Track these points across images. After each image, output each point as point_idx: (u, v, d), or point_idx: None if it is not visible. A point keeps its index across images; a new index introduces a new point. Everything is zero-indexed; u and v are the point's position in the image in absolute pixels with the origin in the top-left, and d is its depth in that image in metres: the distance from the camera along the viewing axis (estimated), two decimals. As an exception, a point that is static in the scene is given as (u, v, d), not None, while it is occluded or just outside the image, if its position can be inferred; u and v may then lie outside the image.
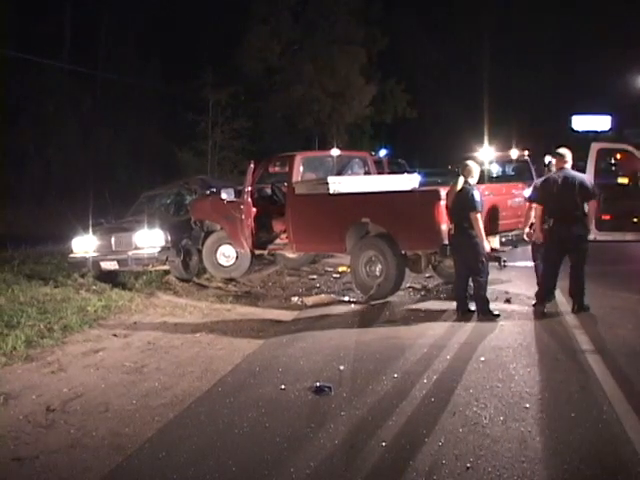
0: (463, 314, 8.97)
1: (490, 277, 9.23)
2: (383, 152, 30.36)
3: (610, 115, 33.24)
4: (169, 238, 12.69)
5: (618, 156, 15.33)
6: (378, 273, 10.44)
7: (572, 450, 4.79)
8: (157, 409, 6.14)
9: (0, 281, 11.80)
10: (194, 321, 9.93)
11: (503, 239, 10.32)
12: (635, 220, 12.24)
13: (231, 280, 12.99)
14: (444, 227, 9.39)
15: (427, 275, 11.82)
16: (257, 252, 12.74)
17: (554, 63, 40.26)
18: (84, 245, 13.06)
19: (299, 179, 11.77)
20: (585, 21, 37.84)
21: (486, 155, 20.79)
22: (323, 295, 11.38)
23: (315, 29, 33.20)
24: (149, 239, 12.61)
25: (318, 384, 6.43)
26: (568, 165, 8.92)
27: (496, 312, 8.90)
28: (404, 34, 37.77)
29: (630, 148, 14.54)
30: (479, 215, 8.75)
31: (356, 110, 34.50)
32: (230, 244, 12.75)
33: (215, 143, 29.38)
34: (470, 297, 9.12)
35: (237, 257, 12.85)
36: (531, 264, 10.25)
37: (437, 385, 6.31)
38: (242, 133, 29.52)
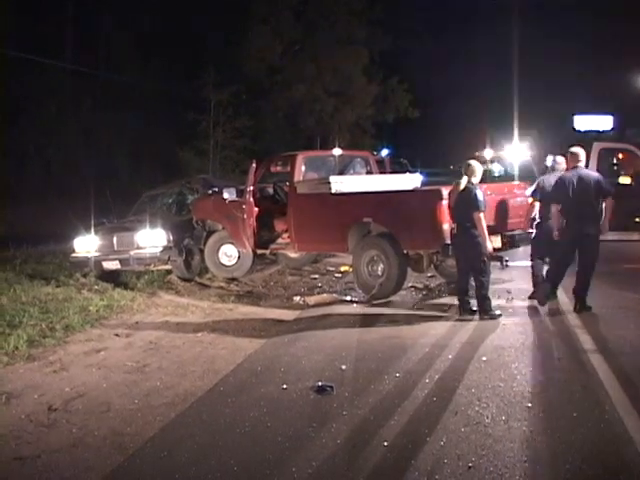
0: (465, 313, 8.95)
1: (492, 276, 9.22)
2: (385, 152, 30.40)
3: (612, 115, 33.22)
4: (171, 238, 12.70)
5: (620, 156, 15.33)
6: (380, 273, 10.44)
7: (574, 450, 4.78)
8: (159, 408, 6.14)
9: (2, 281, 11.81)
10: (196, 321, 9.94)
11: (505, 239, 10.31)
12: (637, 220, 12.24)
13: (233, 280, 12.99)
14: (446, 227, 9.39)
15: (429, 275, 11.82)
16: (259, 252, 12.75)
17: (555, 63, 40.22)
18: (86, 245, 13.06)
19: (301, 178, 11.77)
20: (586, 21, 37.83)
21: (488, 154, 20.80)
22: (325, 295, 11.38)
23: (316, 29, 33.18)
24: (151, 239, 12.62)
25: (320, 383, 6.42)
26: (581, 164, 8.98)
27: (498, 312, 8.90)
28: (406, 33, 37.78)
29: (632, 148, 14.55)
30: (482, 214, 8.75)
31: (358, 110, 34.48)
32: (232, 243, 12.76)
33: (217, 142, 29.34)
34: (472, 296, 9.12)
35: (239, 257, 12.86)
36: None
37: (439, 384, 6.31)
38: (244, 132, 29.49)
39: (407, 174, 14.63)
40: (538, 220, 9.77)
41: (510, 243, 10.44)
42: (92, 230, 13.32)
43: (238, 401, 6.20)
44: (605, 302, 9.25)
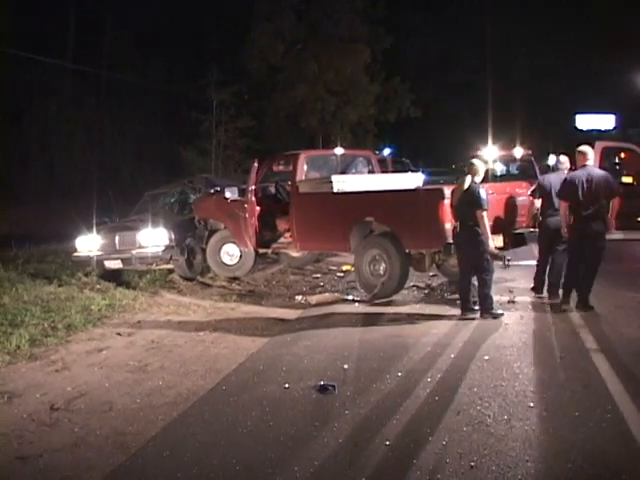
0: (467, 313, 8.95)
1: (494, 276, 9.21)
2: (387, 151, 30.39)
3: (614, 114, 33.23)
4: (173, 237, 12.71)
5: (622, 155, 15.30)
6: (382, 272, 10.44)
7: (576, 449, 4.78)
8: (161, 408, 6.15)
9: (4, 280, 11.81)
10: (198, 320, 9.95)
11: (507, 238, 10.31)
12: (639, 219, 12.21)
13: (235, 279, 13.00)
14: (448, 226, 9.40)
15: (431, 274, 11.82)
16: (261, 251, 12.74)
17: (557, 63, 40.22)
18: (88, 244, 13.07)
19: (303, 178, 11.77)
20: (588, 20, 37.78)
21: (490, 154, 20.79)
22: (327, 294, 11.38)
23: (318, 28, 33.11)
24: (153, 238, 12.62)
25: (322, 383, 6.43)
26: (590, 162, 9.07)
27: (499, 311, 8.90)
28: (408, 33, 37.75)
29: (634, 147, 14.51)
30: (485, 213, 8.75)
31: (360, 109, 34.42)
32: (234, 243, 12.75)
33: (219, 142, 29.36)
34: (474, 296, 9.12)
35: (241, 256, 12.85)
36: (535, 263, 10.23)
37: (441, 384, 6.31)
38: (246, 132, 29.51)
39: (409, 173, 14.62)
40: (540, 218, 9.84)
41: (512, 242, 10.45)
42: (94, 229, 13.32)
43: (240, 400, 6.20)
44: (607, 301, 9.24)
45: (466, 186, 8.88)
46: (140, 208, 14.69)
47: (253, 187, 12.17)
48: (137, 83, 31.35)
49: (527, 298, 9.89)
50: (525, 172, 18.20)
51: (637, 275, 11.35)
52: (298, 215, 11.53)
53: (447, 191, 9.46)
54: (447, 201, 9.36)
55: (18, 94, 28.42)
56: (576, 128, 33.37)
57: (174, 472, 4.80)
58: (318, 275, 13.35)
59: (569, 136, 31.00)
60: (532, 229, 10.66)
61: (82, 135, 31.22)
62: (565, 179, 9.23)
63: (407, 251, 10.34)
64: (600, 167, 9.77)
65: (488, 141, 25.45)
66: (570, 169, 9.94)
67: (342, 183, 11.16)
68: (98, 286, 11.92)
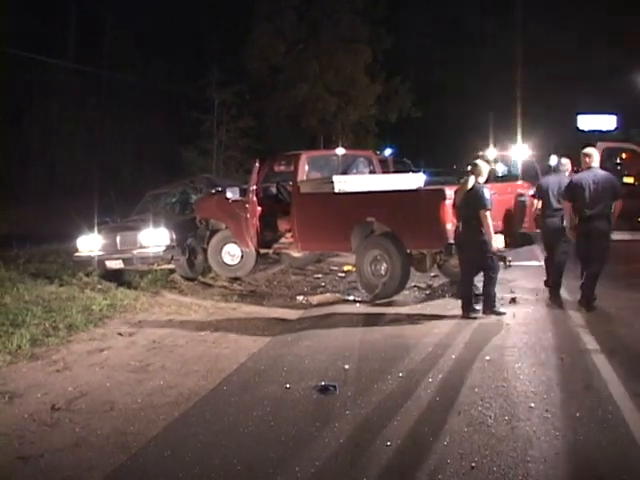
0: (468, 313, 8.95)
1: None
2: (388, 151, 30.45)
3: (616, 114, 33.20)
4: (174, 237, 12.71)
5: (624, 156, 15.32)
6: (383, 272, 10.43)
7: (577, 450, 4.79)
8: (162, 408, 6.15)
9: (5, 280, 11.82)
10: (199, 320, 9.95)
11: (508, 238, 10.31)
12: None
13: (236, 279, 13.00)
14: (449, 226, 9.40)
15: (432, 274, 11.81)
16: (262, 251, 12.73)
17: (558, 63, 40.15)
18: (89, 244, 13.08)
19: (304, 178, 11.76)
20: (589, 20, 37.74)
21: (492, 154, 20.82)
22: (328, 294, 11.38)
23: (319, 28, 33.16)
24: (154, 238, 12.63)
25: (323, 383, 6.43)
26: (595, 164, 9.14)
27: (502, 309, 8.93)
28: (409, 33, 37.74)
29: (636, 148, 14.53)
30: (488, 213, 8.77)
31: (361, 109, 34.46)
32: (235, 243, 12.75)
33: (220, 142, 29.39)
34: (475, 296, 9.14)
35: (242, 256, 12.85)
36: (537, 263, 10.27)
37: (442, 384, 6.31)
38: (247, 132, 29.53)
39: (410, 174, 14.62)
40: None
41: (513, 243, 10.45)
42: (95, 229, 13.32)
43: (241, 400, 6.21)
44: (608, 302, 9.23)
45: (469, 186, 8.90)
46: (141, 208, 14.69)
47: (254, 187, 12.17)
48: (138, 83, 31.34)
49: (528, 298, 9.89)
50: (527, 173, 18.23)
51: (638, 276, 11.33)
52: (299, 215, 11.52)
53: (448, 191, 9.47)
54: (448, 201, 9.37)
55: (18, 94, 28.42)
56: (578, 128, 33.34)
57: (175, 472, 4.80)
58: (319, 275, 13.34)
59: (571, 136, 30.97)
60: (536, 230, 10.68)
61: (83, 135, 31.22)
62: (571, 181, 9.32)
63: (408, 251, 10.33)
64: (601, 168, 9.79)
65: (489, 142, 25.47)
66: (573, 171, 9.99)
67: (343, 183, 11.16)
68: (99, 286, 11.93)
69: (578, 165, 9.60)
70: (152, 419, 5.87)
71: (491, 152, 21.50)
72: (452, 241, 9.35)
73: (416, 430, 5.26)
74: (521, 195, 10.76)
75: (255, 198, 12.15)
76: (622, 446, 4.85)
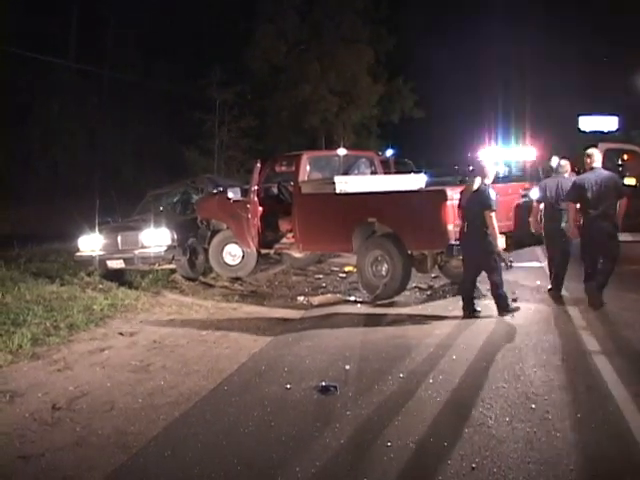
0: (469, 314, 8.96)
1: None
2: (390, 152, 30.37)
3: (617, 115, 33.17)
4: (175, 237, 12.71)
5: (625, 157, 15.29)
6: (384, 273, 10.44)
7: (578, 451, 4.78)
8: (163, 408, 6.15)
9: (7, 279, 11.82)
10: (200, 320, 9.95)
11: (509, 240, 10.31)
12: None
13: (237, 279, 13.00)
14: (450, 227, 9.41)
15: (433, 275, 11.80)
16: (263, 251, 12.75)
17: (559, 63, 40.15)
18: (90, 244, 13.08)
19: (306, 178, 11.77)
20: (590, 20, 37.74)
21: (494, 155, 20.80)
22: (329, 295, 11.38)
23: (321, 28, 33.17)
24: (155, 238, 12.63)
25: (324, 383, 6.43)
26: (596, 164, 9.26)
27: (515, 305, 9.04)
28: (411, 33, 37.74)
29: (637, 149, 14.51)
30: (494, 214, 8.78)
31: (363, 110, 34.47)
32: (236, 243, 12.76)
33: (222, 142, 29.39)
34: (477, 297, 9.15)
35: (243, 256, 12.86)
36: (538, 264, 10.27)
37: (443, 385, 6.30)
38: (248, 132, 29.55)
39: (411, 174, 14.61)
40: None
41: (514, 244, 10.44)
42: (97, 229, 13.32)
43: (242, 400, 6.21)
44: (610, 303, 9.23)
45: (476, 187, 8.92)
46: (142, 208, 14.70)
47: (256, 187, 12.18)
48: (139, 83, 31.33)
49: (529, 299, 9.89)
50: (529, 174, 18.23)
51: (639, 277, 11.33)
52: (300, 216, 11.53)
53: (450, 192, 9.48)
54: (449, 202, 9.38)
55: (20, 93, 28.41)
56: (579, 130, 33.31)
57: (175, 472, 4.81)
58: (320, 276, 13.34)
59: (572, 138, 30.96)
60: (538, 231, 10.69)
61: (84, 135, 31.23)
62: (574, 182, 9.40)
63: (409, 252, 10.33)
64: (603, 169, 9.82)
65: (492, 143, 25.45)
66: (574, 172, 10.02)
67: (344, 184, 11.16)
68: (100, 286, 11.94)
69: (579, 166, 9.64)
70: (152, 419, 5.88)
71: (493, 153, 21.46)
72: (454, 242, 9.38)
73: (416, 431, 5.25)
74: (524, 196, 10.77)
75: (256, 198, 12.15)
76: (623, 448, 4.85)
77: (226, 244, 12.93)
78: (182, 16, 32.15)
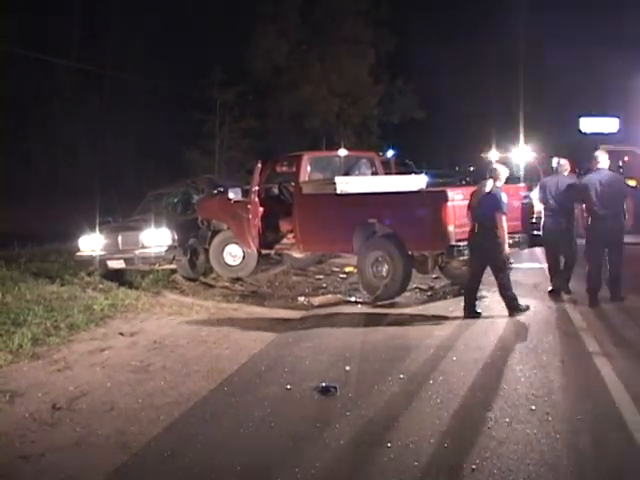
0: (470, 314, 8.96)
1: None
2: (390, 153, 30.34)
3: (618, 117, 33.12)
4: (176, 237, 12.72)
5: (626, 158, 15.31)
6: (385, 274, 10.43)
7: (578, 453, 4.78)
8: (163, 408, 6.15)
9: (7, 279, 11.83)
10: (200, 320, 9.94)
11: (510, 241, 10.31)
12: None
13: (238, 279, 13.00)
14: (451, 228, 9.43)
15: (434, 276, 11.80)
16: (264, 252, 12.75)
17: (560, 63, 40.12)
18: (91, 244, 13.09)
19: (306, 179, 11.77)
20: (591, 21, 37.72)
21: (494, 156, 20.79)
22: (330, 295, 11.38)
23: (323, 29, 33.18)
24: (156, 238, 12.63)
25: (324, 384, 6.42)
26: (601, 166, 9.40)
27: (525, 304, 9.04)
28: (412, 34, 37.73)
29: (638, 150, 14.52)
30: (504, 217, 8.80)
31: (364, 110, 34.49)
32: (237, 243, 12.76)
33: (222, 142, 29.42)
34: (479, 298, 9.17)
35: (244, 257, 12.86)
36: (538, 265, 10.28)
37: (443, 386, 6.30)
38: (249, 133, 29.56)
39: (412, 175, 14.61)
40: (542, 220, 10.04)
41: (514, 245, 10.44)
42: (97, 229, 13.34)
43: (242, 401, 6.20)
44: (611, 304, 9.26)
45: (487, 189, 8.94)
46: (143, 208, 14.69)
47: (256, 188, 12.18)
48: (141, 83, 31.35)
49: (530, 300, 9.87)
50: (529, 175, 18.20)
51: (640, 278, 11.33)
52: (301, 216, 11.53)
53: (450, 193, 9.49)
54: (450, 203, 9.39)
55: (22, 93, 28.42)
56: (580, 131, 33.27)
57: (175, 472, 4.81)
58: (321, 276, 13.33)
59: (573, 139, 30.93)
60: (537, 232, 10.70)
61: (85, 135, 31.25)
62: (580, 183, 9.54)
63: (410, 253, 10.34)
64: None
65: (492, 144, 25.43)
66: (573, 172, 10.06)
67: (345, 185, 11.16)
68: (101, 286, 11.94)
69: (580, 166, 9.71)
70: (152, 419, 5.87)
71: (493, 154, 21.45)
72: (454, 243, 9.39)
73: (416, 432, 5.25)
74: (525, 197, 10.79)
75: (257, 199, 12.16)
76: (623, 449, 4.84)
77: (227, 244, 12.93)
78: (183, 16, 32.15)
